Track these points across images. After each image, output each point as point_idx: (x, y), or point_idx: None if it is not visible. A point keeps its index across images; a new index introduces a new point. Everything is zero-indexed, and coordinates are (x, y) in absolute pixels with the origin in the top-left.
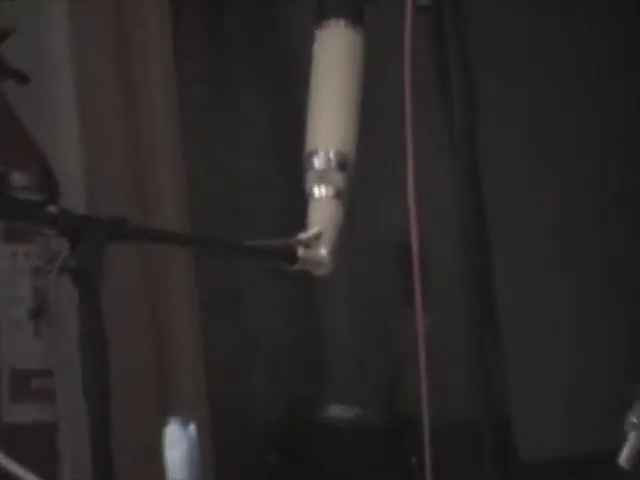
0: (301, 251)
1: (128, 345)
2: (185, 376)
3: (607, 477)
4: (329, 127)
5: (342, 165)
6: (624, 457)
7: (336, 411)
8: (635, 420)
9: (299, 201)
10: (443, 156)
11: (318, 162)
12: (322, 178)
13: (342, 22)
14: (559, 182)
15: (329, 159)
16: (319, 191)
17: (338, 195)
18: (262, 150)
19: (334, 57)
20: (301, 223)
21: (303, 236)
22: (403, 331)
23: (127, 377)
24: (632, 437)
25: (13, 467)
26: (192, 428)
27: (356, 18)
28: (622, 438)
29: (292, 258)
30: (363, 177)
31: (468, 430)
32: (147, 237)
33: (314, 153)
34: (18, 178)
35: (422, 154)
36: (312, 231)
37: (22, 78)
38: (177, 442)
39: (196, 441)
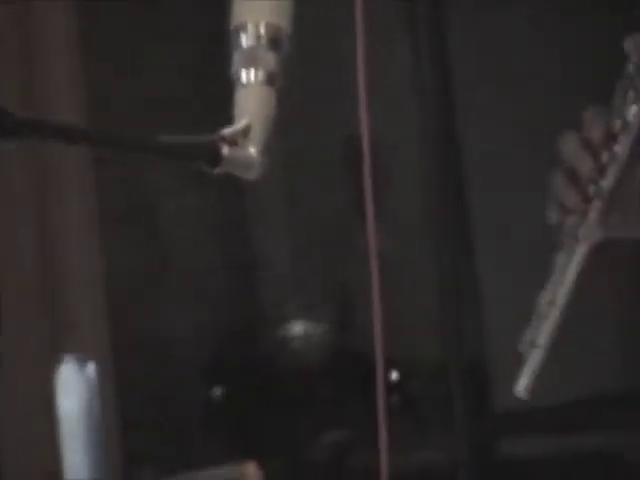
0: (225, 150)
1: (9, 264)
2: (82, 305)
3: (588, 425)
4: None
5: (275, 42)
6: (522, 385)
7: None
8: (532, 340)
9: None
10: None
11: (246, 39)
12: (251, 59)
13: None
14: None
15: (259, 35)
16: (247, 75)
17: (270, 80)
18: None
19: None
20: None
21: (228, 131)
22: (354, 251)
23: (9, 303)
24: (530, 360)
25: None
26: (91, 368)
27: None
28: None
29: (215, 158)
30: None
31: (434, 371)
32: (36, 132)
33: (241, 28)
34: None
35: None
36: (239, 125)
37: None
38: (72, 386)
39: (96, 385)
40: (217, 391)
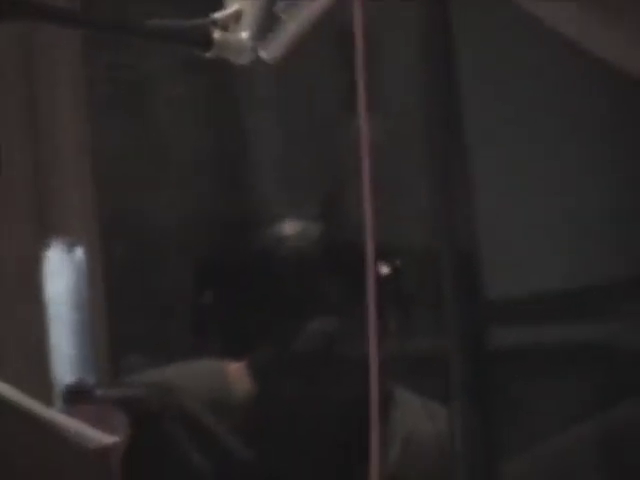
0: (217, 34)
1: None
2: (70, 189)
3: (581, 315)
4: None
5: None
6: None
7: (280, 230)
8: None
9: None
10: None
11: None
12: None
13: None
14: None
15: None
16: None
17: None
18: None
19: None
20: None
21: (219, 16)
22: (346, 138)
23: None
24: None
25: None
26: (79, 252)
27: None
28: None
29: (206, 42)
30: None
31: (424, 261)
32: (26, 13)
33: None
34: None
35: None
36: (230, 10)
37: None
38: (60, 270)
39: (83, 268)
40: (205, 283)
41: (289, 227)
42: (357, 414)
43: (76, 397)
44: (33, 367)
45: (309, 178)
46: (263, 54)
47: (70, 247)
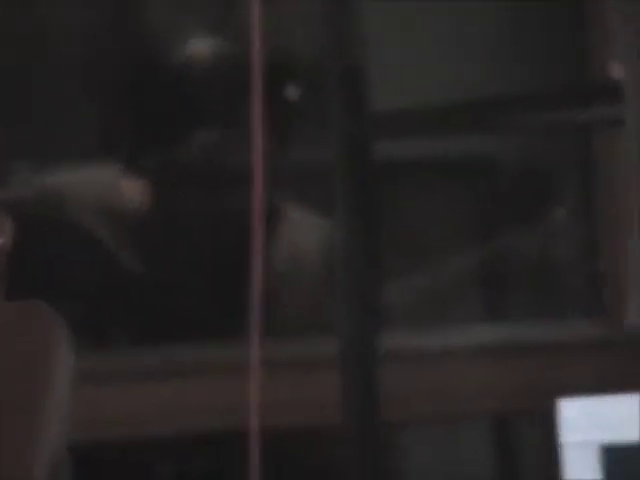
0: None
1: None
2: None
3: (462, 128)
4: None
5: None
6: None
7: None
8: None
9: None
10: None
11: None
12: None
13: None
14: None
15: None
16: None
17: None
18: None
19: None
20: None
21: None
22: None
23: None
24: None
25: None
26: None
27: None
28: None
29: None
30: None
31: (312, 74)
32: None
33: None
34: None
35: None
36: None
37: None
38: None
39: None
40: (98, 92)
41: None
42: (243, 226)
43: None
44: None
45: None
46: None
47: None
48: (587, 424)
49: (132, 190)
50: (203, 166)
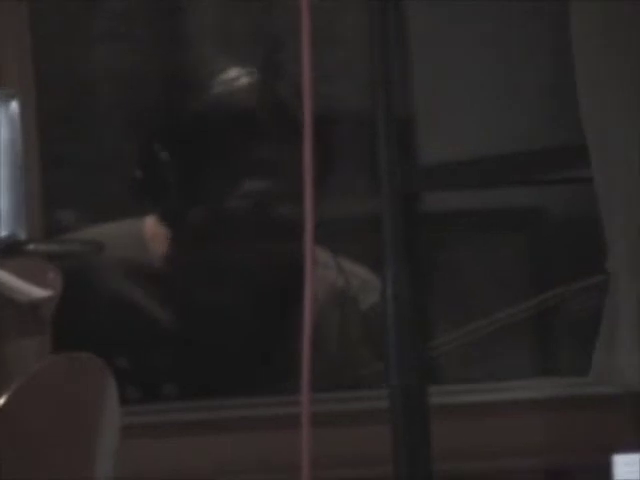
0: None
1: None
2: (7, 41)
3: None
4: None
5: None
6: None
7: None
8: None
9: None
10: None
11: None
12: None
13: None
14: None
15: None
16: None
17: None
18: None
19: None
20: None
21: None
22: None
23: None
24: None
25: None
26: (14, 105)
27: None
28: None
29: None
30: None
31: (360, 122)
32: None
33: None
34: None
35: None
36: None
37: None
38: None
39: (18, 121)
40: (140, 139)
41: (226, 85)
42: (292, 278)
43: (8, 252)
44: None
45: (247, 37)
46: None
47: (4, 101)
48: None
49: (156, 237)
50: (251, 216)
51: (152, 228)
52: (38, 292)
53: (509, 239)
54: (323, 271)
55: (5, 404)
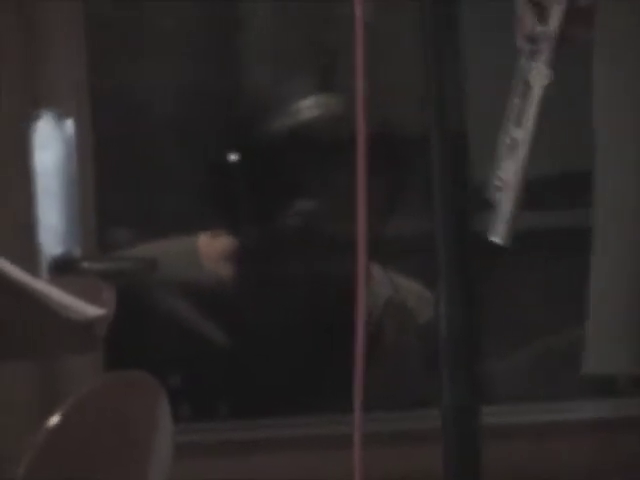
0: None
1: None
2: (62, 60)
3: (560, 202)
4: None
5: None
6: (497, 232)
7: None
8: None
9: None
10: None
11: None
12: None
13: None
14: None
15: None
16: None
17: None
18: None
19: None
20: None
21: None
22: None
23: None
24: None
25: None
26: (69, 124)
27: None
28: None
29: None
30: None
31: (413, 141)
32: None
33: None
34: None
35: None
36: None
37: None
38: (49, 142)
39: (73, 141)
40: (195, 157)
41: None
42: (344, 296)
43: (62, 269)
44: (20, 239)
45: (303, 52)
46: None
47: (60, 119)
48: None
49: (212, 256)
50: (305, 234)
51: (206, 246)
52: (92, 310)
53: (566, 259)
54: (378, 288)
55: (58, 422)
